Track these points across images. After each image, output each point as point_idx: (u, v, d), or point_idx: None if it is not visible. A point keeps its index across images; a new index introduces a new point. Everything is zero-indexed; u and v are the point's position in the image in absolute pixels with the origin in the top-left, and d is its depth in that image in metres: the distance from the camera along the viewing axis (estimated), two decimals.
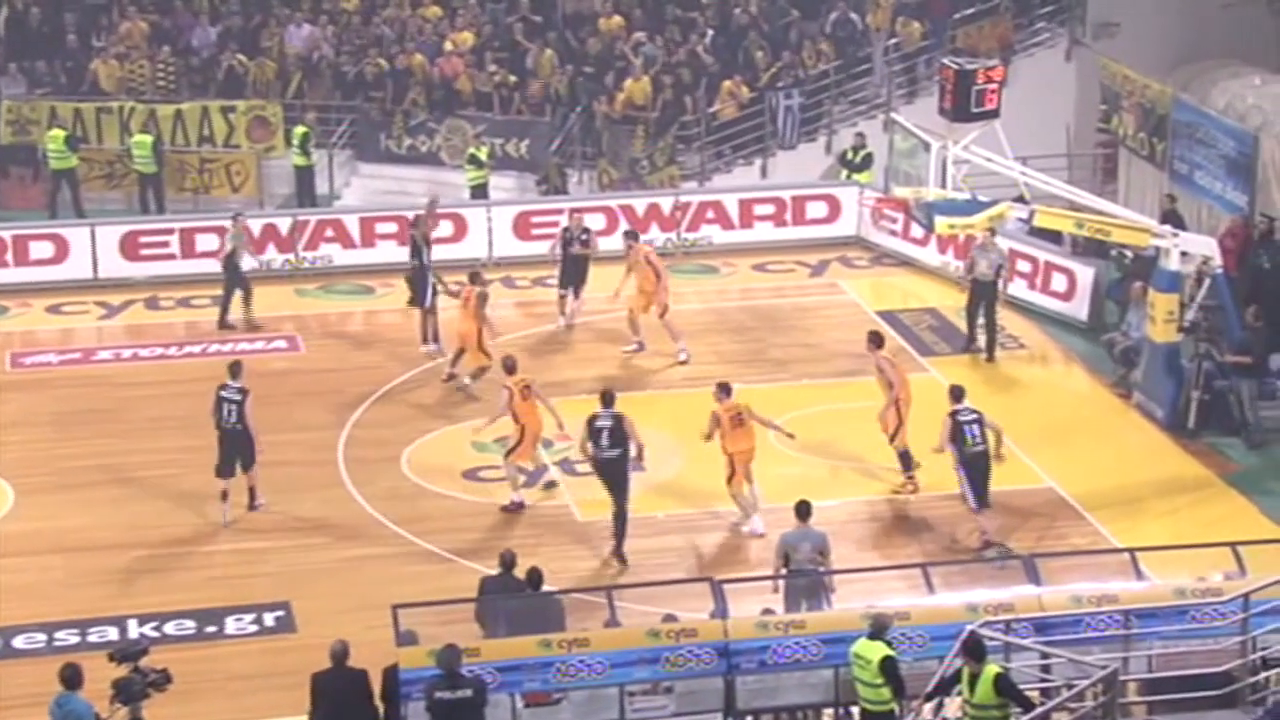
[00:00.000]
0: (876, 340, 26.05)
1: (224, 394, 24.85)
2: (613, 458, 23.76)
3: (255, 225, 33.05)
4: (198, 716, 20.25)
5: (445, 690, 17.78)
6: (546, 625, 19.15)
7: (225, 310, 31.10)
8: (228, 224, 31.66)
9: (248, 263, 31.35)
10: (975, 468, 23.72)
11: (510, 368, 25.33)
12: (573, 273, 30.92)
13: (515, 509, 25.11)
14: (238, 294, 31.04)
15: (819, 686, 18.99)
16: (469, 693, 17.81)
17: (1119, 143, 35.18)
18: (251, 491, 25.13)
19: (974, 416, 23.78)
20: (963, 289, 30.74)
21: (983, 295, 29.93)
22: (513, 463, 25.13)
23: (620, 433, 23.70)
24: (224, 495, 24.82)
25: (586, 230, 31.17)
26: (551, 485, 25.71)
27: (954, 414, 23.81)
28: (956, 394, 24.10)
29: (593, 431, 23.77)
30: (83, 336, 31.26)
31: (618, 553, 23.83)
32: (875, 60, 37.85)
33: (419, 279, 29.55)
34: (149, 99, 37.63)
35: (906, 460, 25.44)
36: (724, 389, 24.57)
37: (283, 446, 25.88)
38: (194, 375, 28.44)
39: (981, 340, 30.09)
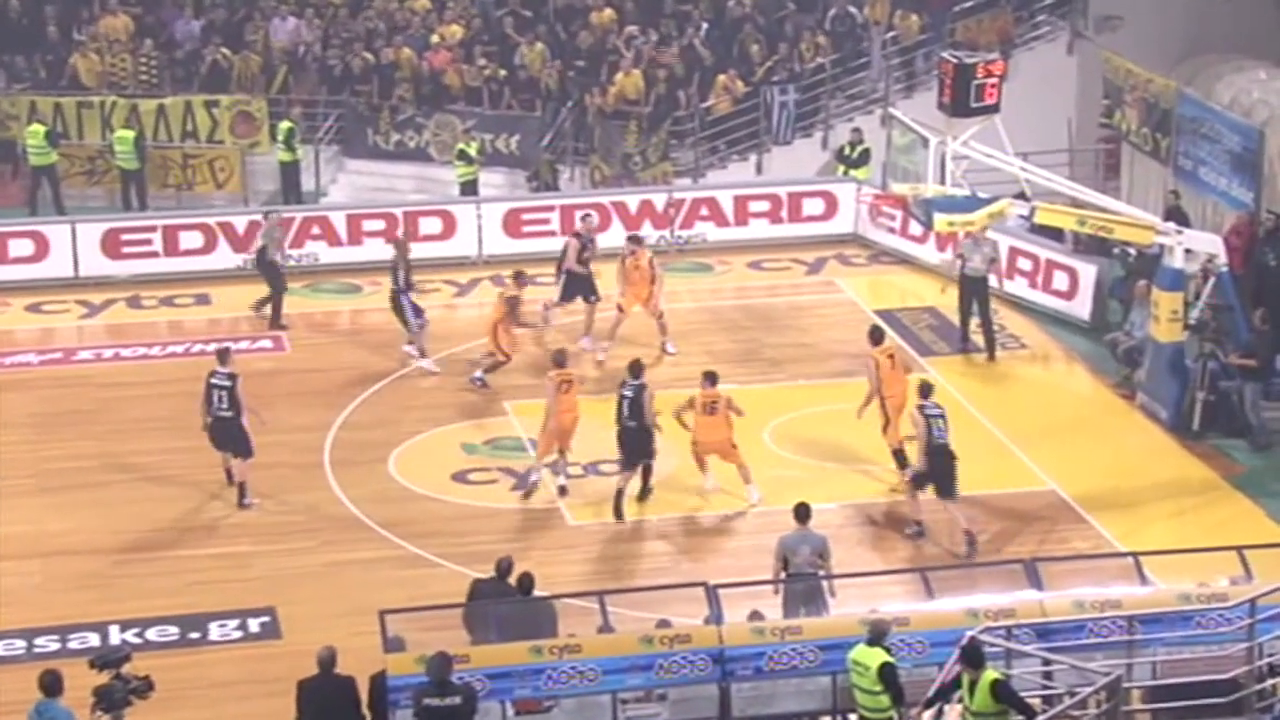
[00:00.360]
0: (871, 336, 26.12)
1: (214, 381, 25.06)
2: (630, 428, 24.71)
3: (239, 223, 32.95)
4: None
5: (434, 697, 17.74)
6: (538, 631, 19.06)
7: (278, 311, 30.78)
8: (260, 220, 31.66)
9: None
10: (938, 461, 23.88)
11: (558, 361, 25.72)
12: (574, 287, 30.16)
13: (528, 487, 25.32)
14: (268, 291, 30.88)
15: (816, 694, 18.95)
16: (458, 700, 17.76)
17: (1122, 138, 34.98)
18: (241, 488, 25.13)
19: (939, 412, 24.01)
20: (945, 286, 30.35)
21: (975, 291, 29.77)
22: (541, 450, 25.51)
23: (638, 405, 24.57)
24: (228, 473, 25.21)
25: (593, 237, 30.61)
26: (563, 491, 25.53)
27: (921, 408, 24.03)
28: (924, 390, 24.36)
29: (618, 399, 24.84)
30: (63, 336, 31.08)
31: (643, 491, 25.03)
32: (873, 54, 37.70)
33: (398, 305, 29.38)
34: (131, 93, 37.48)
35: (901, 458, 25.47)
36: (708, 378, 25.17)
37: (268, 448, 25.75)
38: (177, 375, 28.31)
39: (979, 340, 29.89)
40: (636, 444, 24.75)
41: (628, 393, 24.72)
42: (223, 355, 25.36)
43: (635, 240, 30.27)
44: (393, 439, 26.92)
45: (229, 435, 24.95)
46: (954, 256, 30.15)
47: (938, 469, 23.91)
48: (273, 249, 30.88)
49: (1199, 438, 27.01)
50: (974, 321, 29.97)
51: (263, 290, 30.99)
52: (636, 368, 25.07)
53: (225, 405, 24.81)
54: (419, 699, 17.72)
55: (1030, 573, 19.54)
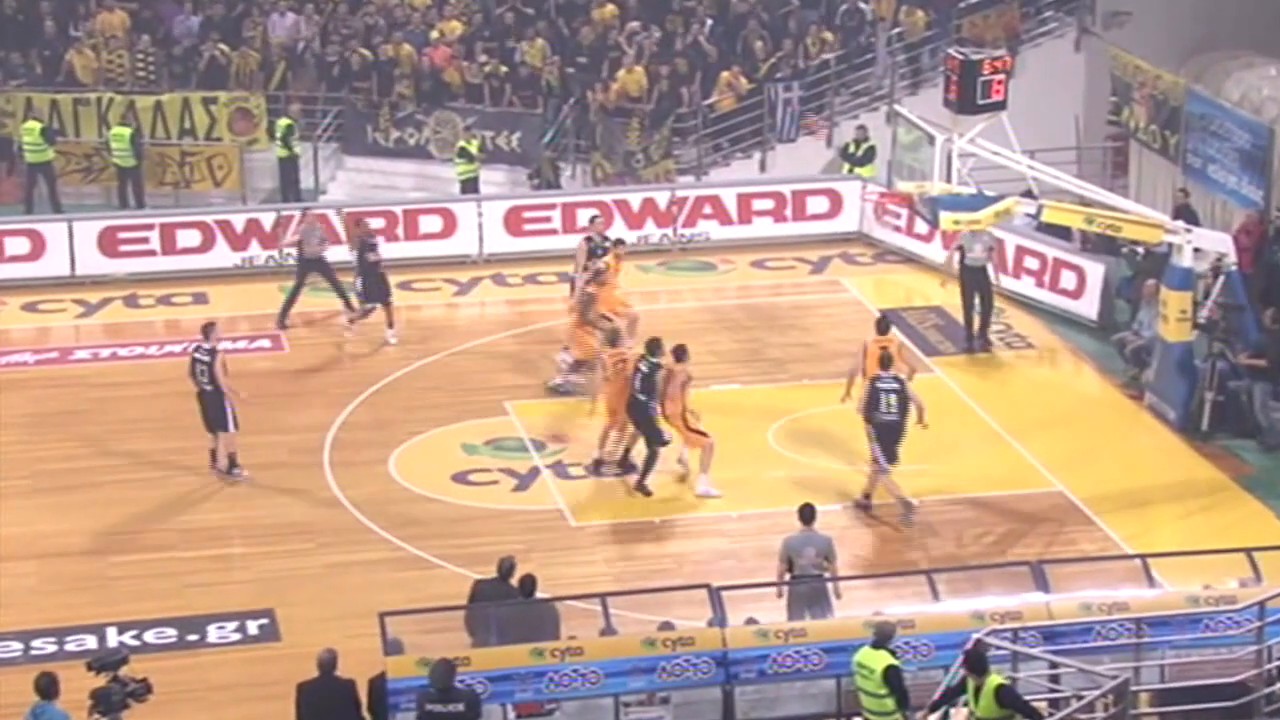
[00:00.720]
0: (877, 325, 26.11)
1: (196, 355, 25.47)
2: (639, 403, 25.00)
3: (237, 221, 32.82)
4: None
5: (436, 703, 17.66)
6: (540, 633, 19.00)
7: (287, 310, 30.61)
8: (296, 215, 31.64)
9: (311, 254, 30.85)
10: (885, 434, 24.29)
11: (612, 340, 26.07)
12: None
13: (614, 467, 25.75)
14: (302, 289, 30.74)
15: (820, 697, 18.90)
16: (461, 707, 17.71)
17: (1130, 136, 34.94)
18: (231, 458, 25.33)
19: (893, 386, 24.31)
20: (945, 281, 30.17)
21: (976, 282, 29.67)
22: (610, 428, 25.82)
23: (651, 382, 24.80)
24: (213, 454, 25.43)
25: (607, 239, 30.14)
26: (597, 467, 25.78)
27: (874, 380, 24.37)
28: (884, 361, 24.76)
29: (633, 371, 25.18)
30: (60, 335, 30.91)
31: (640, 484, 25.10)
32: (878, 50, 37.57)
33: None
34: (128, 90, 37.32)
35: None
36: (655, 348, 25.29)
37: (266, 449, 25.77)
38: (174, 375, 27.86)
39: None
40: (643, 418, 24.87)
41: (644, 367, 24.84)
42: (206, 329, 25.56)
43: (619, 242, 29.94)
44: (393, 439, 26.75)
45: (210, 410, 25.15)
46: (953, 250, 30.02)
47: (883, 441, 24.19)
48: (312, 245, 30.63)
49: (1208, 438, 26.82)
50: (978, 321, 29.78)
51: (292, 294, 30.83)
52: (655, 346, 25.04)
53: (206, 380, 25.09)
54: (421, 703, 17.62)
55: (1037, 575, 19.47)
